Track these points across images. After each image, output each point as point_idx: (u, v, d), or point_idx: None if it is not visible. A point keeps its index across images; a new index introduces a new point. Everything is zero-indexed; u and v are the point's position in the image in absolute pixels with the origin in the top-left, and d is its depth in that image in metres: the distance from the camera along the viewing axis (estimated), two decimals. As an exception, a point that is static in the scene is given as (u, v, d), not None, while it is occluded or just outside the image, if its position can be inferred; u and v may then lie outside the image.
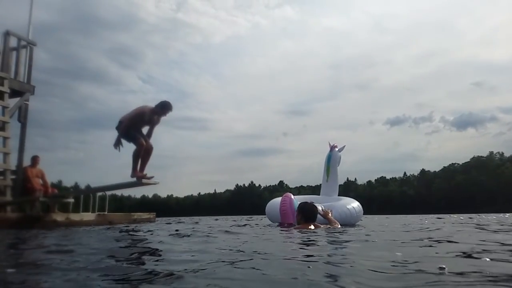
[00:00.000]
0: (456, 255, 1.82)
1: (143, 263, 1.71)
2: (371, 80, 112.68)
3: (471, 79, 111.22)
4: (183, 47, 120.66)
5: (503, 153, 69.02)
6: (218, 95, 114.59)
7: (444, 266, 1.45)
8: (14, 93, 7.20)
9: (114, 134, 6.00)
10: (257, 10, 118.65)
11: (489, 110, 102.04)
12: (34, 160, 7.85)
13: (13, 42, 7.24)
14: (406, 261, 1.59)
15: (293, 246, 2.49)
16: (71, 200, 7.45)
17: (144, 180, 5.85)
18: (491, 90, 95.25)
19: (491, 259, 1.65)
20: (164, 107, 6.22)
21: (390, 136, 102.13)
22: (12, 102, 7.20)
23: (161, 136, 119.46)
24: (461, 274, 1.28)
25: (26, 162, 7.53)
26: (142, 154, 6.02)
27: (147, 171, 6.12)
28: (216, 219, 14.17)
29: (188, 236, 3.32)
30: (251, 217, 15.66)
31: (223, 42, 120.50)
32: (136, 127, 6.10)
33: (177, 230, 4.21)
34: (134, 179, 5.94)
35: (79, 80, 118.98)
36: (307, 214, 4.47)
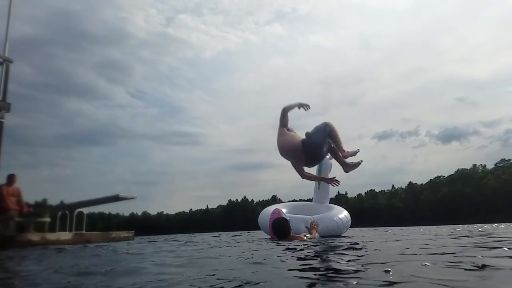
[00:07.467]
0: None
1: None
2: (359, 96, 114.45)
3: (455, 94, 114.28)
4: (173, 61, 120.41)
5: (485, 165, 70.46)
6: (209, 110, 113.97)
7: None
8: (-10, 111, 7.12)
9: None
10: (246, 26, 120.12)
11: (471, 124, 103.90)
12: (11, 178, 7.69)
13: (-11, 59, 7.19)
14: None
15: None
16: (47, 219, 7.28)
17: (121, 195, 5.68)
18: (473, 105, 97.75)
19: None
20: None
21: (378, 150, 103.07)
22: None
23: (152, 152, 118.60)
24: None
25: (2, 180, 7.39)
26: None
27: None
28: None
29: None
30: (240, 233, 15.43)
31: (214, 57, 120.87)
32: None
33: None
34: (112, 194, 5.69)
35: (65, 95, 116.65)
36: (279, 233, 4.59)
